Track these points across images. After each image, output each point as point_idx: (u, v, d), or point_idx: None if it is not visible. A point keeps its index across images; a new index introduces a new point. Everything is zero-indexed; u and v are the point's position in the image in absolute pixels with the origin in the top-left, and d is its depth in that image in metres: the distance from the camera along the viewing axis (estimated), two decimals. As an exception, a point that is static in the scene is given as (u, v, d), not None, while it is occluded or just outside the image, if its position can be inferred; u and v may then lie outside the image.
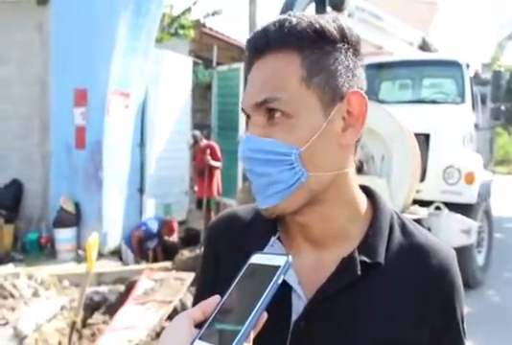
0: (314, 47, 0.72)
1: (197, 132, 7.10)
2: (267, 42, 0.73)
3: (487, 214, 5.71)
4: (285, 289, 0.74)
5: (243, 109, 0.76)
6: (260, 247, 0.78)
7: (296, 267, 0.76)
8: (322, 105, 0.72)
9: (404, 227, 0.81)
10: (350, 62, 0.74)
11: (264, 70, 0.73)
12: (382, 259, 0.75)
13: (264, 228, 0.83)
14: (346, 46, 0.74)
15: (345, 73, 0.73)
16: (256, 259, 0.66)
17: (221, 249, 0.88)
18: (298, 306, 0.75)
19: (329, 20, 0.74)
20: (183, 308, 3.73)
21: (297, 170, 0.71)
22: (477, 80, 6.20)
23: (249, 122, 0.75)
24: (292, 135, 0.71)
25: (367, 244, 0.76)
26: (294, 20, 0.72)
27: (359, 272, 0.73)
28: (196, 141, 6.89)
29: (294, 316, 0.74)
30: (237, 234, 0.86)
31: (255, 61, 0.75)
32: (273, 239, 0.80)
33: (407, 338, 0.73)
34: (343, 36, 0.74)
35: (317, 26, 0.72)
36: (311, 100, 0.71)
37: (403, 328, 0.74)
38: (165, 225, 6.02)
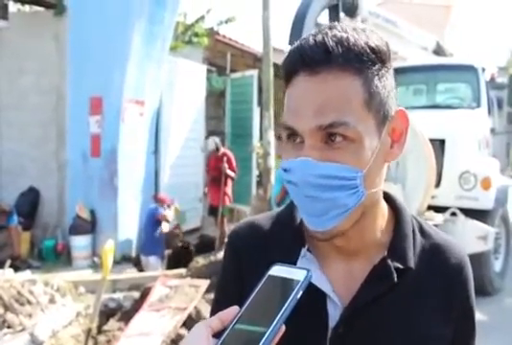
0: (372, 68, 0.70)
1: (217, 139, 7.08)
2: (327, 59, 0.68)
3: (504, 220, 5.62)
4: (320, 297, 0.75)
5: (290, 128, 0.71)
6: (288, 258, 0.76)
7: (328, 276, 0.78)
8: (377, 127, 0.72)
9: (421, 229, 0.84)
10: (393, 81, 0.75)
11: (323, 89, 0.68)
12: (412, 263, 0.78)
13: (290, 238, 0.82)
14: (390, 64, 0.74)
15: (392, 93, 0.74)
16: (275, 271, 0.65)
17: (244, 263, 0.85)
18: (334, 313, 0.76)
19: (378, 38, 0.72)
20: (198, 315, 3.73)
21: (360, 191, 0.70)
22: (493, 84, 6.13)
23: (304, 144, 0.70)
24: (355, 159, 0.69)
25: (396, 250, 0.78)
26: (352, 37, 0.69)
27: (395, 279, 0.75)
28: (217, 148, 6.86)
29: (331, 323, 0.75)
30: (261, 244, 0.85)
31: (306, 78, 0.69)
32: (304, 250, 0.79)
33: (440, 335, 0.77)
34: (390, 55, 0.73)
35: (374, 45, 0.70)
36: (370, 122, 0.70)
37: (436, 325, 0.77)
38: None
